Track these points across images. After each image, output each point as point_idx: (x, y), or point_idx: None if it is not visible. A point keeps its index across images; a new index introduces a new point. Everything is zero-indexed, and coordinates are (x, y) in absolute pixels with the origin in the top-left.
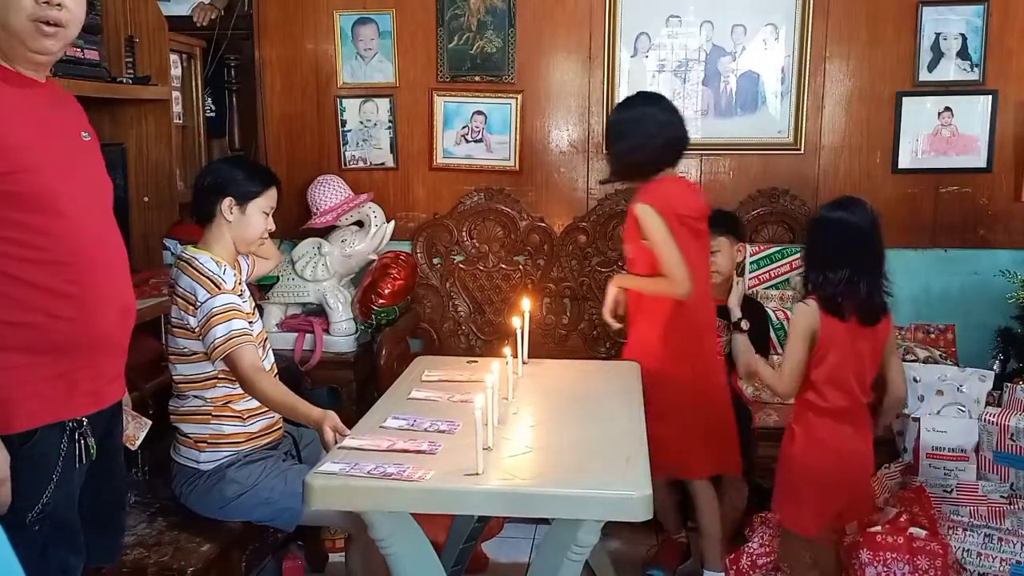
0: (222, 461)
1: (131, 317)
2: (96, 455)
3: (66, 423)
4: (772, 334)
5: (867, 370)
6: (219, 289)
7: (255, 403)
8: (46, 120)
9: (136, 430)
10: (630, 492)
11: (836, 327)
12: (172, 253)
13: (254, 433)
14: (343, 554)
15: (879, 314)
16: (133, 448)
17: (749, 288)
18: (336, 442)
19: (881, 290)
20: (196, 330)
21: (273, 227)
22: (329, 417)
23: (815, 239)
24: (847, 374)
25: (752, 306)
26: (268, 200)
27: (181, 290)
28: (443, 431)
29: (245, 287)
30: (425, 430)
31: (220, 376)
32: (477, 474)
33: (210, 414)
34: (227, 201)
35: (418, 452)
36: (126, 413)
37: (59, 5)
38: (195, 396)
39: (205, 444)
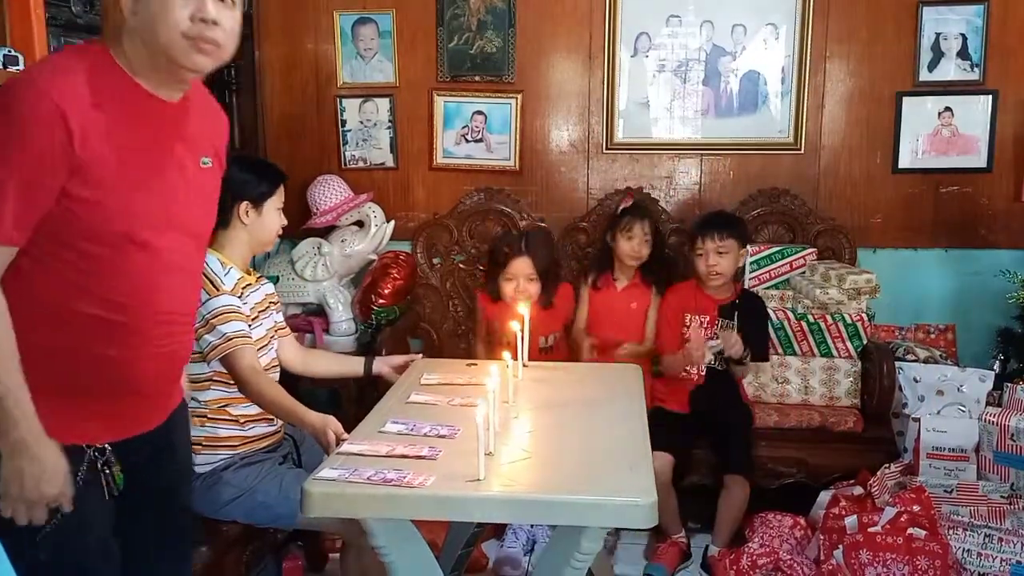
0: (217, 464)
1: (183, 361)
2: (144, 480)
3: (85, 448)
4: (772, 333)
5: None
6: (217, 290)
7: (254, 409)
8: (158, 150)
9: None
10: (636, 499)
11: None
12: None
13: (250, 437)
14: None
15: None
16: None
17: (751, 287)
18: (337, 446)
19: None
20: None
21: (285, 222)
22: (330, 421)
23: None
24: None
25: (750, 298)
26: (280, 197)
27: None
28: (443, 436)
29: (256, 294)
30: (425, 435)
31: (215, 379)
32: (478, 480)
33: (205, 416)
34: (244, 205)
35: (418, 457)
36: None
37: (216, 23)
38: (191, 398)
39: (200, 447)
